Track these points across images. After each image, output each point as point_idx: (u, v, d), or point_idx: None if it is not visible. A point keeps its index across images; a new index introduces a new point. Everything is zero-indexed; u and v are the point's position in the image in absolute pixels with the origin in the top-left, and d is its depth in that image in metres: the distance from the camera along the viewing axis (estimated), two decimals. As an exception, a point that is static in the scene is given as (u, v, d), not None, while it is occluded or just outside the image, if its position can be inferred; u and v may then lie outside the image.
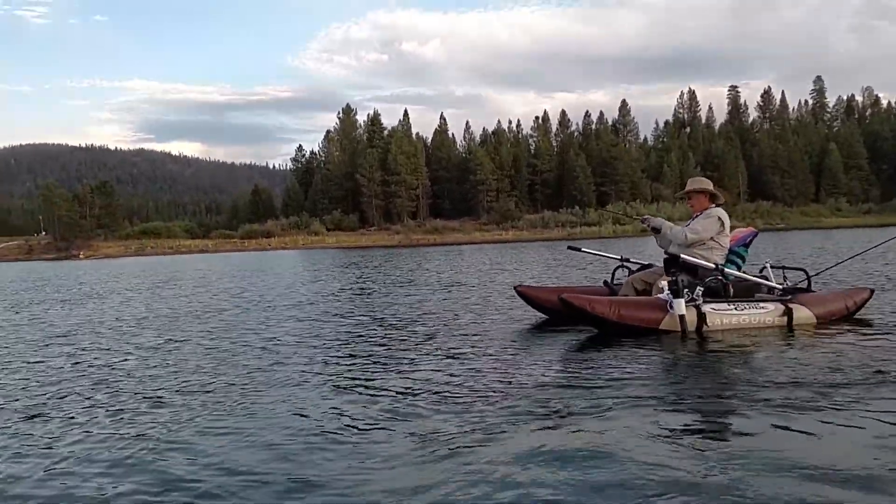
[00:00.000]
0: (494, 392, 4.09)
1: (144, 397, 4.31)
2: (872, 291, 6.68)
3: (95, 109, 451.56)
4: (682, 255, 5.91)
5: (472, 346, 5.66)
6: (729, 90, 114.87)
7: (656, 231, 6.50)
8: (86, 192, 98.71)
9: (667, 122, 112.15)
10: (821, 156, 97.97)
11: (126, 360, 5.74)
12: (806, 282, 6.66)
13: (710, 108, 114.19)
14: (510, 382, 4.31)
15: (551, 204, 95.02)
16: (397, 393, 4.17)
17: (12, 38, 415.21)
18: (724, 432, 3.26)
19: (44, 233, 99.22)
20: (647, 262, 6.93)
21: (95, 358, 5.88)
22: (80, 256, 72.12)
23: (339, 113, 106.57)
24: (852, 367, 4.34)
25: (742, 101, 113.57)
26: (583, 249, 7.84)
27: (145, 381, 4.80)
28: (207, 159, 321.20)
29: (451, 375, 4.58)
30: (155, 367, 5.35)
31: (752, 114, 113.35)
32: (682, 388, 4.04)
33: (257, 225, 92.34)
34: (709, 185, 6.48)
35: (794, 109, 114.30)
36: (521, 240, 69.76)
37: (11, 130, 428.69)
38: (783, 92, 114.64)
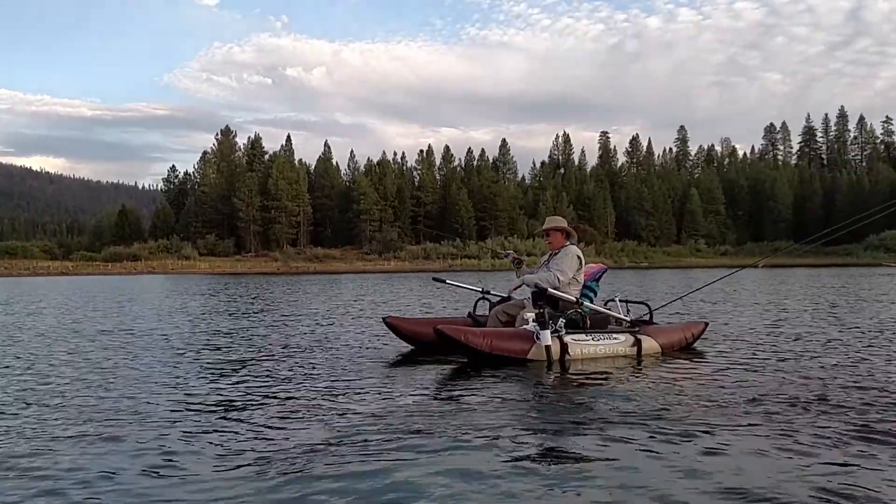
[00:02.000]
0: (358, 421, 4.17)
1: None
2: (707, 324, 7.58)
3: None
4: (550, 290, 6.34)
5: (337, 377, 5.69)
6: (600, 135, 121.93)
7: (519, 266, 6.96)
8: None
9: (543, 163, 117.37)
10: (682, 200, 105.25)
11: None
12: (649, 315, 7.31)
13: (583, 151, 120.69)
14: (377, 415, 4.31)
15: (433, 236, 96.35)
16: (250, 429, 4.13)
17: None
18: (584, 456, 3.42)
19: None
20: (505, 295, 7.25)
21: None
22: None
23: (217, 134, 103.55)
24: (692, 394, 4.81)
25: (612, 145, 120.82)
26: (447, 282, 8.16)
27: None
28: (71, 176, 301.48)
29: (316, 406, 4.57)
30: None
31: (621, 158, 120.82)
32: (545, 415, 4.30)
33: (123, 247, 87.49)
34: (564, 223, 7.00)
35: (659, 156, 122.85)
36: (403, 270, 70.14)
37: None
38: (650, 139, 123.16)
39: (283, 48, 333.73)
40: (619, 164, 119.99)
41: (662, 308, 8.82)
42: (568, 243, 6.89)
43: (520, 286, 6.75)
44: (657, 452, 3.45)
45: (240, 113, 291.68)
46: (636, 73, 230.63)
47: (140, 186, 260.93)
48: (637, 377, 5.59)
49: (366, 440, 3.69)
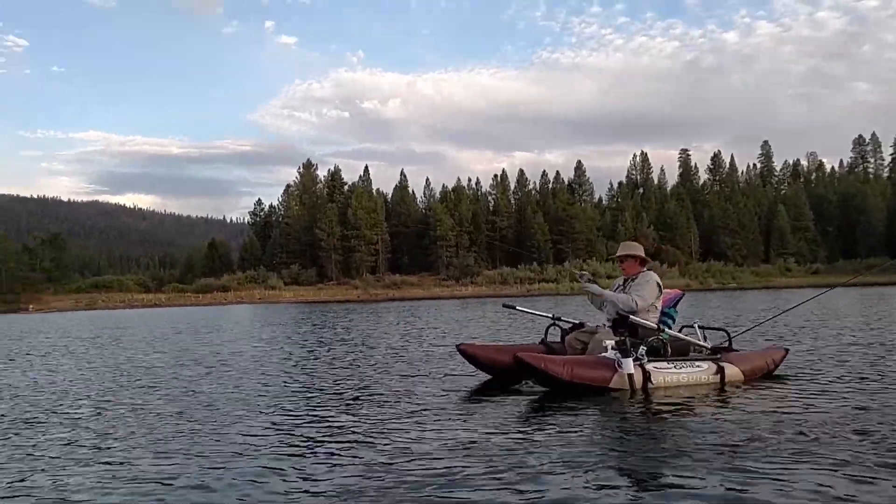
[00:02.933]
0: (449, 453, 4.25)
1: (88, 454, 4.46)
2: (787, 351, 7.35)
3: (48, 160, 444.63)
4: (631, 317, 6.30)
5: (413, 406, 5.78)
6: (680, 153, 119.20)
7: (591, 292, 6.89)
8: (36, 244, 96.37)
9: (620, 183, 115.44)
10: (769, 217, 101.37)
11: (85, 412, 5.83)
12: (728, 341, 7.14)
13: (662, 169, 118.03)
14: (463, 444, 4.40)
15: (510, 260, 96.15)
16: (330, 455, 4.25)
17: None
18: (683, 491, 3.37)
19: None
20: (577, 321, 7.21)
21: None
22: (30, 310, 69.93)
23: (299, 168, 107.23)
24: (780, 426, 4.65)
25: (693, 163, 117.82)
26: (517, 308, 8.16)
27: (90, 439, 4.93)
28: (163, 212, 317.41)
29: (396, 436, 4.67)
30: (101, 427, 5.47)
31: (703, 176, 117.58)
32: (632, 447, 4.23)
33: (213, 279, 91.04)
34: (641, 250, 6.94)
35: (742, 172, 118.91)
36: (480, 295, 70.19)
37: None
38: (732, 155, 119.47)
39: (359, 82, 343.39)
40: (701, 181, 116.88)
41: (743, 334, 8.59)
42: (645, 269, 6.84)
43: (599, 294, 6.72)
44: (752, 486, 3.38)
45: (320, 146, 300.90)
46: (715, 88, 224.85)
47: (228, 220, 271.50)
48: (722, 406, 5.49)
49: (445, 471, 3.77)
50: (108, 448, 4.60)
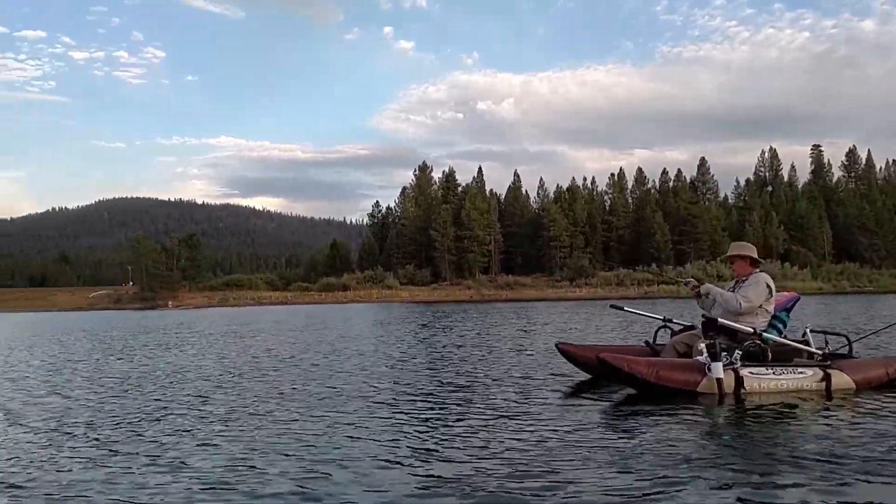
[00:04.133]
0: (524, 452, 4.35)
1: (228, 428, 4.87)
2: None
3: (184, 165, 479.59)
4: (720, 319, 6.10)
5: (513, 405, 5.88)
6: (812, 149, 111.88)
7: (699, 296, 6.69)
8: (173, 244, 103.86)
9: (748, 181, 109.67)
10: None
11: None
12: (847, 347, 6.71)
13: (793, 166, 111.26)
14: (540, 442, 4.48)
15: (627, 261, 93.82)
16: (428, 448, 4.49)
17: (110, 97, 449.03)
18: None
19: (131, 283, 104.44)
20: (689, 324, 7.04)
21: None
22: (170, 306, 75.45)
23: (415, 170, 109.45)
24: (891, 441, 4.29)
25: (825, 160, 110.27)
26: (625, 309, 8.04)
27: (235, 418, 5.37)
28: (289, 214, 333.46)
29: (481, 434, 4.81)
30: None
31: (837, 173, 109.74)
32: (718, 457, 4.05)
33: (334, 278, 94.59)
34: (752, 250, 6.67)
35: (881, 168, 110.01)
36: (596, 297, 68.95)
37: (104, 185, 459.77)
38: (868, 151, 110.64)
39: (473, 84, 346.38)
40: (835, 179, 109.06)
41: (864, 339, 8.01)
42: (757, 270, 6.59)
43: (707, 294, 6.55)
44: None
45: (435, 148, 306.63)
46: (849, 80, 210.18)
47: (348, 221, 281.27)
48: (821, 415, 5.22)
49: (521, 469, 3.86)
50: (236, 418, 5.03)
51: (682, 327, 7.05)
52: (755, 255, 6.65)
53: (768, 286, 6.36)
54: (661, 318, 7.35)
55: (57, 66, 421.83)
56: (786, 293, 6.83)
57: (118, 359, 11.63)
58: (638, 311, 8.15)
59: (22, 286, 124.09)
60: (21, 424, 5.61)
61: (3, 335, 22.50)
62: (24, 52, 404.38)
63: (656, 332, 7.36)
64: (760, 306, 6.31)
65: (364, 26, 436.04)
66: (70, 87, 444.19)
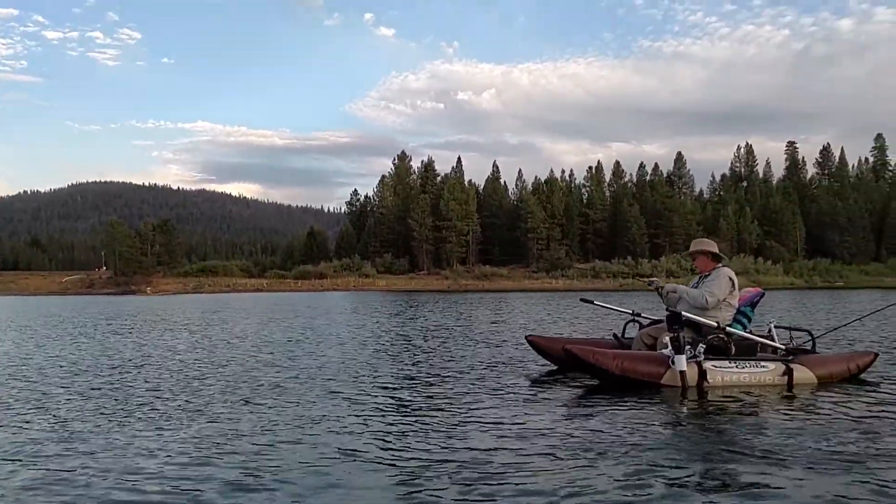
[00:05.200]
0: (488, 439, 4.42)
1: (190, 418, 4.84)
2: (876, 355, 6.82)
3: (159, 149, 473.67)
4: (684, 313, 6.18)
5: (477, 395, 5.94)
6: (787, 146, 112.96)
7: (662, 292, 6.75)
8: (147, 229, 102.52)
9: (723, 176, 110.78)
10: (882, 214, 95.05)
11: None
12: (811, 343, 6.83)
13: (768, 162, 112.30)
14: (506, 433, 4.54)
15: (603, 254, 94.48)
16: (390, 433, 4.55)
17: (84, 79, 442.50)
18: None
19: (104, 268, 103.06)
20: (657, 318, 7.14)
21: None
22: (148, 292, 74.35)
23: (394, 159, 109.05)
24: (847, 434, 4.39)
25: (800, 156, 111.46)
26: (595, 302, 8.14)
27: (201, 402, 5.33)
28: (265, 201, 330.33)
29: (447, 424, 4.87)
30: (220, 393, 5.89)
31: (811, 170, 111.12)
32: (678, 448, 4.14)
33: (311, 266, 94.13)
34: (713, 246, 6.77)
35: (853, 166, 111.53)
36: (572, 289, 69.36)
37: (78, 168, 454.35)
38: (842, 148, 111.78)
39: (454, 73, 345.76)
40: (809, 175, 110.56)
41: (828, 335, 8.16)
42: (719, 265, 6.68)
43: (673, 291, 6.62)
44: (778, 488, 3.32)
45: (414, 138, 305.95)
46: (826, 79, 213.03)
47: (326, 209, 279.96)
48: (780, 409, 5.32)
49: (481, 455, 3.91)
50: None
51: (650, 321, 7.16)
52: (716, 251, 6.74)
53: (731, 280, 6.44)
54: (630, 311, 7.48)
55: (29, 45, 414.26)
56: (751, 289, 6.95)
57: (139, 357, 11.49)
58: (608, 305, 8.27)
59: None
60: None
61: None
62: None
63: (625, 325, 7.51)
64: (724, 300, 6.39)
65: (344, 11, 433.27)
66: (43, 68, 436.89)
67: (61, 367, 8.25)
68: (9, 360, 9.11)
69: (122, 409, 5.46)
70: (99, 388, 6.50)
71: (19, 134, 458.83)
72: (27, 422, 5.00)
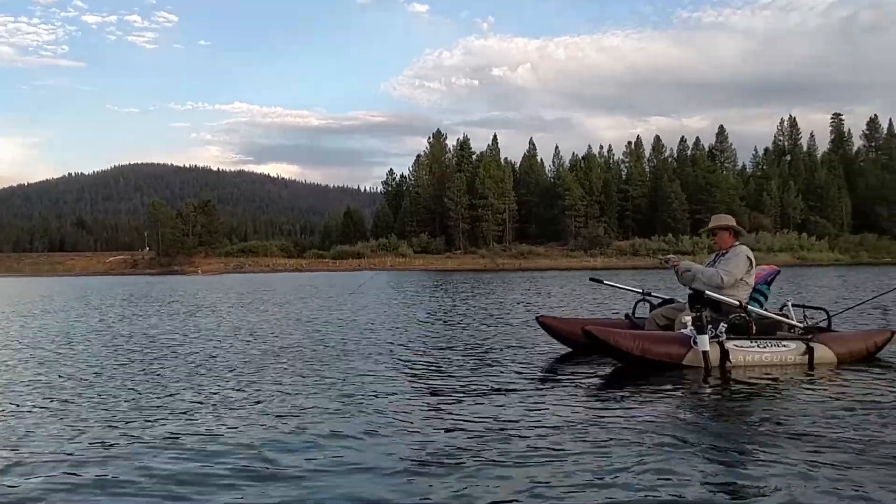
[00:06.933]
0: (511, 428, 4.41)
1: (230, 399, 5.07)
2: (894, 333, 6.76)
3: (197, 131, 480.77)
4: (707, 292, 6.17)
5: (487, 376, 5.98)
6: (832, 117, 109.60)
7: (678, 270, 6.71)
8: (189, 210, 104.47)
9: (766, 150, 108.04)
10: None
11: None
12: (827, 321, 6.79)
13: (812, 135, 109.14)
14: (528, 418, 4.51)
15: (642, 231, 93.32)
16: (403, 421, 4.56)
17: (123, 62, 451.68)
18: (742, 476, 3.27)
19: (147, 248, 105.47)
20: (667, 297, 7.11)
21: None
22: (199, 273, 75.55)
23: (429, 138, 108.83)
24: (876, 418, 4.34)
25: (846, 128, 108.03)
26: (605, 282, 8.09)
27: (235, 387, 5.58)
28: (303, 181, 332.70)
29: (455, 406, 4.89)
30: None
31: (857, 142, 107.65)
32: (704, 428, 4.14)
33: (348, 246, 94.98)
34: (732, 221, 6.71)
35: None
36: (609, 267, 68.77)
37: (120, 150, 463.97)
38: (891, 120, 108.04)
39: (489, 49, 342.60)
40: (855, 148, 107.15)
41: (844, 313, 8.00)
42: (737, 243, 6.64)
43: (688, 270, 6.56)
44: (814, 474, 3.26)
45: (449, 115, 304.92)
46: (873, 47, 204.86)
47: (363, 189, 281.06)
48: (804, 389, 5.31)
49: (502, 442, 3.97)
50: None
51: (660, 301, 7.12)
52: (736, 227, 6.69)
53: (749, 259, 6.38)
54: (640, 291, 7.40)
55: (69, 30, 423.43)
56: (766, 266, 6.87)
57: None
58: (617, 284, 8.12)
59: (41, 251, 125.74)
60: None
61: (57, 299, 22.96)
62: (36, 17, 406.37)
63: (635, 305, 7.41)
64: (742, 279, 6.34)
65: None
66: (83, 52, 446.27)
67: (183, 336, 8.64)
68: (161, 332, 9.52)
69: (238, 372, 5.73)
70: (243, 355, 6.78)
71: (62, 118, 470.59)
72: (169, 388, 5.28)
